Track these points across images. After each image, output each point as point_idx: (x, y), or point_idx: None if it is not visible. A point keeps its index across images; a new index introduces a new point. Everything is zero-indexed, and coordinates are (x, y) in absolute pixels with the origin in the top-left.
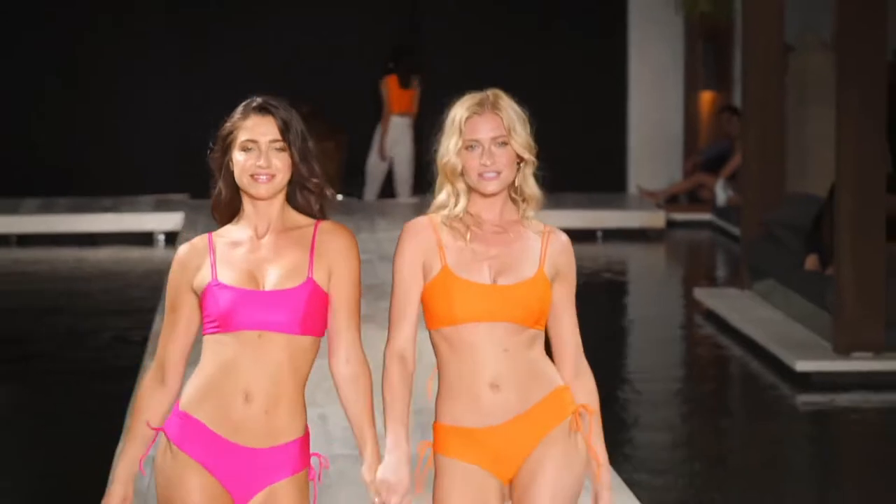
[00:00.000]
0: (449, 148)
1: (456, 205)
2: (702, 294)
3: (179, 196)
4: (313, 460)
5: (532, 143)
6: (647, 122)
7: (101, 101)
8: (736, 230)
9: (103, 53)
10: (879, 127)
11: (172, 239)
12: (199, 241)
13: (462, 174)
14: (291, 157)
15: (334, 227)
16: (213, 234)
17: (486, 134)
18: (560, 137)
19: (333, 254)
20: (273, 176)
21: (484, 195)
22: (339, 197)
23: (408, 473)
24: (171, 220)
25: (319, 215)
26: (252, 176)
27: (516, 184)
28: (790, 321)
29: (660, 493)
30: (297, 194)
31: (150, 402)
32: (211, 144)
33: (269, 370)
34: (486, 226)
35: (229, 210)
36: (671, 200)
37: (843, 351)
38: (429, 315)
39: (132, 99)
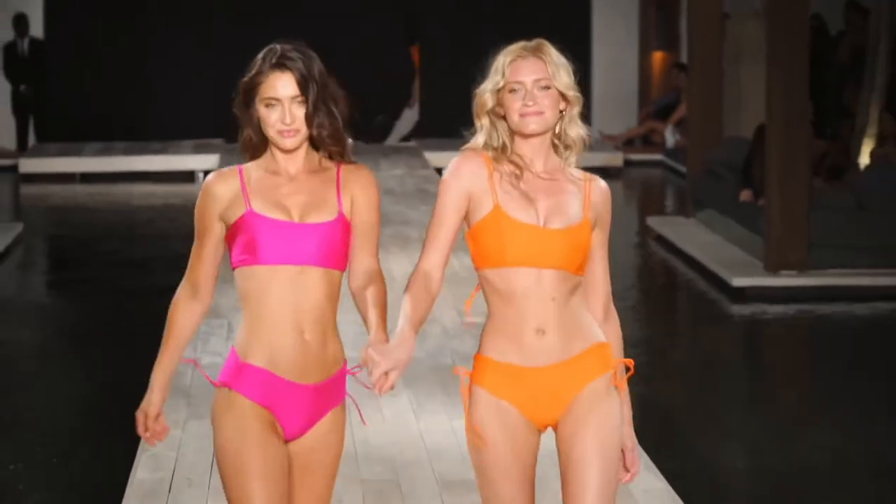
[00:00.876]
0: (487, 87)
1: (498, 143)
2: (653, 222)
3: (216, 140)
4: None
5: (575, 89)
6: (607, 77)
7: (149, 59)
8: (682, 168)
9: (153, 17)
10: (803, 81)
11: None
12: (229, 171)
13: (494, 113)
14: (308, 108)
15: (356, 167)
16: (243, 166)
17: (528, 76)
18: None
19: (355, 186)
20: (298, 130)
21: (525, 136)
22: (350, 141)
23: (401, 355)
24: (209, 161)
25: (339, 158)
26: (279, 131)
27: (558, 130)
28: (727, 244)
29: None
30: (317, 143)
31: (182, 314)
32: (233, 94)
33: (316, 304)
34: (534, 169)
35: (260, 150)
36: (628, 143)
37: (772, 269)
38: (478, 254)
39: (176, 57)
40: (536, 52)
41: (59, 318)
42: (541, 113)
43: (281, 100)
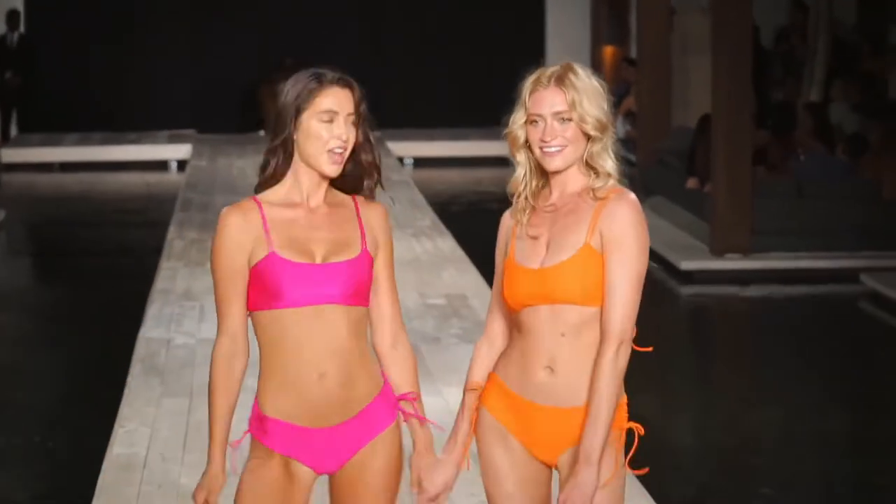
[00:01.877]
0: (514, 120)
1: (529, 182)
2: None
3: (188, 131)
4: (403, 404)
5: (604, 119)
6: None
7: (126, 53)
8: (632, 157)
9: (130, 13)
10: (746, 74)
11: (183, 165)
12: (248, 207)
13: (528, 147)
14: (358, 133)
15: (371, 203)
16: (260, 200)
17: (547, 109)
18: (486, 81)
19: (377, 229)
20: (346, 150)
21: (548, 171)
22: None
23: (449, 474)
24: (182, 150)
25: (364, 192)
26: (330, 151)
27: (585, 158)
28: (676, 229)
29: None
30: (352, 169)
31: (228, 376)
32: (264, 124)
33: (336, 344)
34: (546, 203)
35: (274, 182)
36: None
37: (718, 253)
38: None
39: (152, 52)
40: (558, 83)
41: (40, 302)
42: (562, 148)
43: (339, 114)
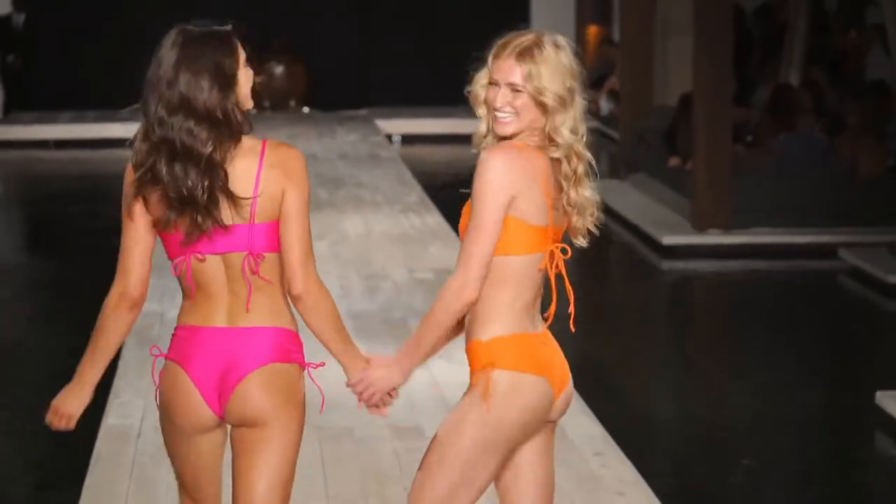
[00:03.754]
0: (477, 78)
1: (488, 140)
2: None
3: None
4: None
5: (563, 93)
6: None
7: (121, 34)
8: (615, 134)
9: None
10: (726, 54)
11: None
12: None
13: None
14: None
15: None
16: None
17: (503, 77)
18: (469, 59)
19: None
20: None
21: (497, 134)
22: (306, 109)
23: (393, 377)
24: None
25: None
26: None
27: (547, 129)
28: (658, 205)
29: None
30: None
31: None
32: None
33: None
34: None
35: None
36: None
37: (699, 228)
38: None
39: (144, 31)
40: (520, 56)
41: (34, 277)
42: (516, 114)
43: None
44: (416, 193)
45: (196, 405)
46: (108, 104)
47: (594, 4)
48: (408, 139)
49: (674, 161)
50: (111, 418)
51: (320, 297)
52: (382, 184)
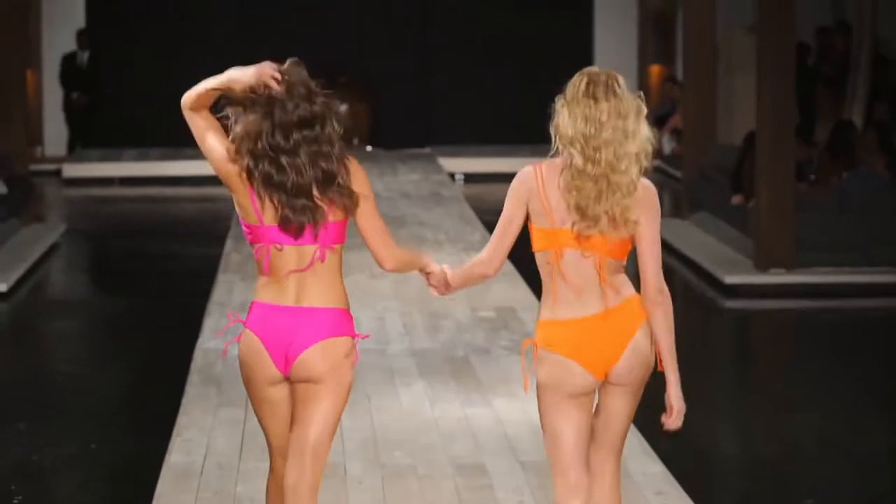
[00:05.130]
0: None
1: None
2: None
3: None
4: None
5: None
6: None
7: (183, 72)
8: (678, 173)
9: (188, 32)
10: (789, 91)
11: None
12: None
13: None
14: None
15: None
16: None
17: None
18: (539, 100)
19: None
20: None
21: None
22: (369, 148)
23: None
24: None
25: None
26: None
27: None
28: (720, 244)
29: None
30: None
31: None
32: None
33: None
34: None
35: None
36: None
37: (761, 267)
38: None
39: (207, 70)
40: (606, 94)
41: (100, 313)
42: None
43: None
44: (478, 232)
45: (268, 366)
46: (171, 142)
47: (656, 43)
48: (470, 178)
49: (737, 199)
50: (174, 456)
51: (400, 252)
52: (445, 222)
